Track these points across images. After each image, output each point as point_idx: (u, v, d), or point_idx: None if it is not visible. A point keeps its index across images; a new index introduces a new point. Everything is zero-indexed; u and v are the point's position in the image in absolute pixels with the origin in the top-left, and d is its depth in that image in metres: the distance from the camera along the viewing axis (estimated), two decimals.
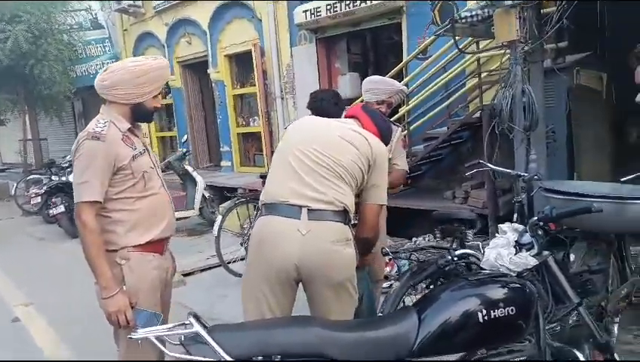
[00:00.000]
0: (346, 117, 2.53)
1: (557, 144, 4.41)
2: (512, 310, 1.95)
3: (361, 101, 3.52)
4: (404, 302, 2.61)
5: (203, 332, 1.69)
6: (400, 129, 3.52)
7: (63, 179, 8.56)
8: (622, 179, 3.29)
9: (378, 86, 3.32)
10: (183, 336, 1.73)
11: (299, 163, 2.17)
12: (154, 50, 11.66)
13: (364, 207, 2.28)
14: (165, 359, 1.69)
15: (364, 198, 2.27)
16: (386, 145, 2.39)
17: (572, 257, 2.77)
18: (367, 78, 3.54)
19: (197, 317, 1.82)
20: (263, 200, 2.23)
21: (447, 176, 6.72)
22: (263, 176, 5.51)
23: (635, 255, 3.32)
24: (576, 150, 4.39)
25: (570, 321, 2.51)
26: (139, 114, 2.36)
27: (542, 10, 4.28)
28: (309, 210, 2.06)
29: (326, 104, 2.99)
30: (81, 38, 12.14)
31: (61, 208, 7.91)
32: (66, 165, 8.97)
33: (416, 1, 6.89)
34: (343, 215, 2.14)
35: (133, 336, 1.70)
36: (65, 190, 8.29)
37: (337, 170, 2.14)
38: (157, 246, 2.37)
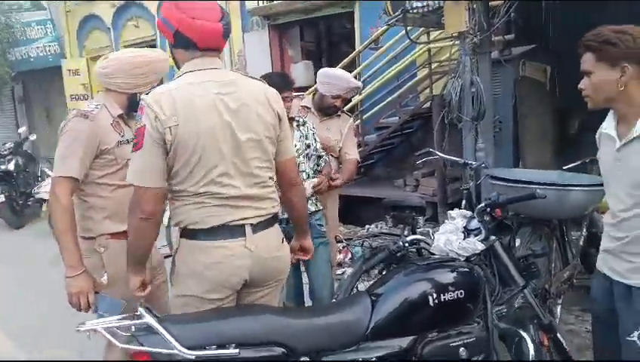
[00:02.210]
0: None
1: (503, 133, 4.55)
2: (461, 293, 2.01)
3: (315, 91, 3.50)
4: (357, 287, 2.65)
5: (154, 323, 1.65)
6: (352, 119, 3.54)
7: (3, 167, 8.15)
8: (564, 168, 3.44)
9: (334, 81, 3.29)
10: (134, 327, 1.70)
11: None
12: (99, 33, 11.23)
13: None
14: (115, 350, 1.64)
15: None
16: None
17: (517, 242, 2.88)
18: (324, 70, 3.48)
19: (148, 308, 1.78)
20: None
21: (398, 165, 6.84)
22: None
23: (576, 240, 3.49)
24: (521, 139, 4.55)
25: (516, 303, 2.62)
26: (135, 104, 2.30)
27: (490, 3, 4.41)
28: None
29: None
30: (20, 19, 11.52)
31: (1, 198, 7.55)
32: (6, 153, 8.55)
33: None
34: None
35: (80, 329, 1.65)
36: (5, 179, 7.93)
37: None
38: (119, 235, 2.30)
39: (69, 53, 11.87)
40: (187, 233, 1.89)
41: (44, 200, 7.00)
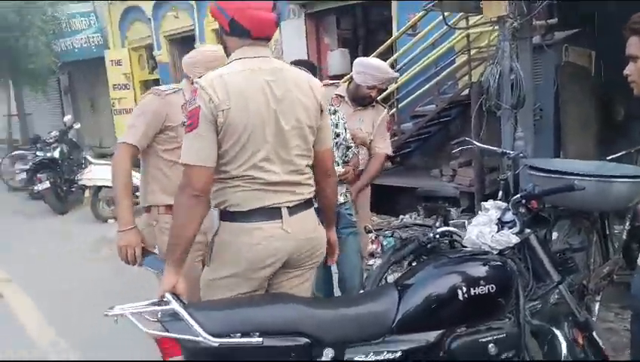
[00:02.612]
0: None
1: (544, 121, 4.39)
2: (492, 287, 1.95)
3: (350, 79, 3.43)
4: (386, 279, 2.61)
5: (180, 309, 1.68)
6: (386, 111, 3.44)
7: (49, 155, 8.44)
8: (607, 158, 3.29)
9: (371, 72, 3.19)
10: (160, 313, 1.72)
11: None
12: (139, 25, 11.45)
13: None
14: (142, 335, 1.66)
15: None
16: None
17: (555, 235, 2.78)
18: (361, 59, 3.38)
19: (175, 294, 1.81)
20: None
21: (435, 154, 6.72)
22: None
23: (618, 233, 3.35)
24: (563, 128, 4.38)
25: (552, 299, 2.53)
26: None
27: None
28: None
29: None
30: (65, 11, 11.86)
31: (46, 184, 7.80)
32: (52, 141, 8.84)
33: None
34: None
35: (109, 313, 1.68)
36: (51, 166, 8.20)
37: None
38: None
39: (112, 44, 12.16)
40: (227, 215, 1.94)
41: (87, 187, 7.23)
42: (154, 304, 1.76)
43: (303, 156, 1.98)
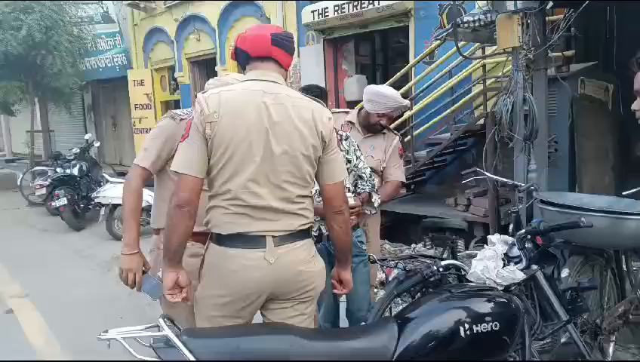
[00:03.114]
0: None
1: (559, 154, 4.32)
2: (495, 325, 1.90)
3: (361, 107, 3.43)
4: (390, 311, 2.56)
5: (172, 336, 1.66)
6: (398, 138, 3.41)
7: (68, 171, 8.59)
8: (623, 193, 3.21)
9: (381, 100, 3.19)
10: (152, 339, 1.70)
11: None
12: (163, 46, 11.69)
13: None
14: (133, 361, 1.64)
15: None
16: None
17: (566, 272, 2.70)
18: (372, 87, 3.35)
19: (170, 320, 1.79)
20: None
21: (450, 183, 6.64)
22: None
23: (636, 271, 3.24)
24: (578, 161, 4.29)
25: (563, 338, 2.45)
26: None
27: (548, 18, 4.22)
28: None
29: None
30: (91, 31, 12.18)
31: (64, 200, 7.91)
32: (72, 158, 9.01)
33: (425, 4, 6.85)
34: None
35: (102, 337, 1.67)
36: (69, 182, 8.32)
37: None
38: (198, 236, 2.32)
39: (135, 65, 12.42)
40: (213, 236, 1.97)
41: (103, 205, 7.30)
42: (148, 329, 1.74)
43: (295, 184, 1.94)
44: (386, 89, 3.34)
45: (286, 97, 1.93)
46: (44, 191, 8.47)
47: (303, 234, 1.99)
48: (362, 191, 2.88)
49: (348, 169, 2.86)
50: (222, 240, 1.92)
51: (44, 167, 10.04)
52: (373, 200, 2.91)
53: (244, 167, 1.87)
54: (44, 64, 10.41)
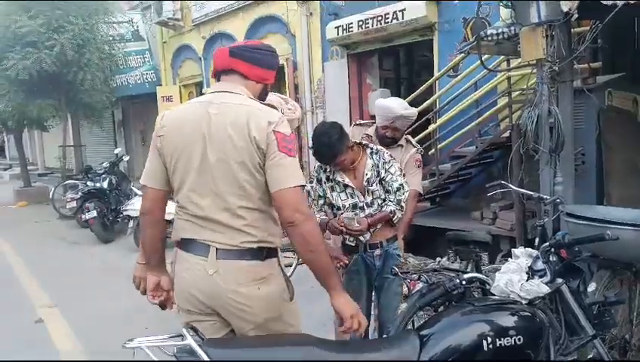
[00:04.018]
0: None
1: (586, 167, 4.24)
2: (519, 339, 1.88)
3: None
4: (413, 324, 2.54)
5: (195, 346, 1.68)
6: (415, 149, 3.40)
7: (98, 185, 8.80)
8: None
9: (380, 112, 3.28)
10: (175, 348, 1.73)
11: None
12: (191, 63, 11.92)
13: None
14: None
15: None
16: None
17: (593, 286, 2.64)
18: (377, 100, 3.47)
19: (194, 329, 1.82)
20: None
21: (476, 196, 6.57)
22: None
23: None
24: (606, 174, 4.21)
25: (591, 354, 2.39)
26: None
27: (574, 30, 4.17)
28: None
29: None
30: (122, 49, 12.51)
31: (93, 213, 8.11)
32: (102, 171, 9.23)
33: (449, 18, 6.86)
34: None
35: (126, 345, 1.71)
36: (99, 196, 8.53)
37: None
38: None
39: (164, 81, 12.70)
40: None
41: (131, 218, 7.44)
42: (172, 338, 1.77)
43: (235, 194, 1.86)
44: (385, 100, 3.40)
45: (232, 105, 1.89)
46: (74, 204, 8.72)
47: (253, 253, 1.89)
48: (386, 206, 2.88)
49: (381, 182, 2.87)
50: (179, 243, 2.00)
51: (76, 181, 10.29)
52: (394, 218, 2.89)
53: (186, 178, 1.92)
54: (75, 81, 10.73)
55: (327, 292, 1.90)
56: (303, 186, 1.91)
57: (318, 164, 2.98)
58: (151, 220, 2.02)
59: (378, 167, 2.88)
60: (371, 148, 2.95)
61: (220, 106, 1.90)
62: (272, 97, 2.42)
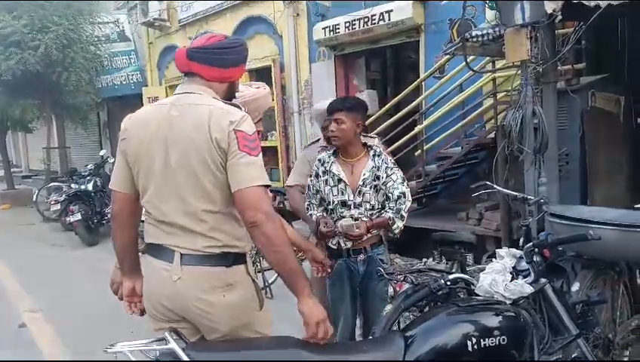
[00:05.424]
0: None
1: (570, 167, 4.28)
2: (503, 339, 1.88)
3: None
4: (399, 325, 2.54)
5: (177, 349, 1.67)
6: (377, 139, 3.36)
7: (82, 187, 8.70)
8: (635, 206, 3.17)
9: (319, 119, 3.37)
10: (158, 352, 1.71)
11: None
12: None
13: None
14: None
15: None
16: None
17: (576, 286, 2.66)
18: (312, 109, 3.63)
19: (177, 333, 1.80)
20: None
21: (462, 197, 6.60)
22: (274, 191, 5.52)
23: None
24: (590, 174, 4.25)
25: (575, 354, 2.41)
26: None
27: (559, 31, 4.21)
28: None
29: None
30: (107, 49, 12.39)
31: (78, 216, 8.02)
32: (87, 174, 9.13)
33: (435, 19, 6.89)
34: None
35: (107, 350, 1.69)
36: (83, 198, 8.43)
37: None
38: None
39: (150, 82, 12.60)
40: None
41: None
42: (154, 342, 1.75)
43: (198, 197, 1.82)
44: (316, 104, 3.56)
45: (193, 106, 1.85)
46: (58, 206, 8.58)
47: (217, 259, 1.84)
48: (385, 212, 2.83)
49: (376, 187, 2.83)
50: (147, 248, 1.98)
51: (60, 183, 10.17)
52: (394, 227, 2.82)
53: (149, 182, 1.88)
54: (60, 81, 10.60)
55: (294, 295, 1.81)
56: (267, 186, 1.86)
57: (319, 157, 2.96)
58: (121, 224, 1.99)
59: (379, 170, 2.83)
60: (375, 151, 2.90)
61: (181, 108, 1.86)
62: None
